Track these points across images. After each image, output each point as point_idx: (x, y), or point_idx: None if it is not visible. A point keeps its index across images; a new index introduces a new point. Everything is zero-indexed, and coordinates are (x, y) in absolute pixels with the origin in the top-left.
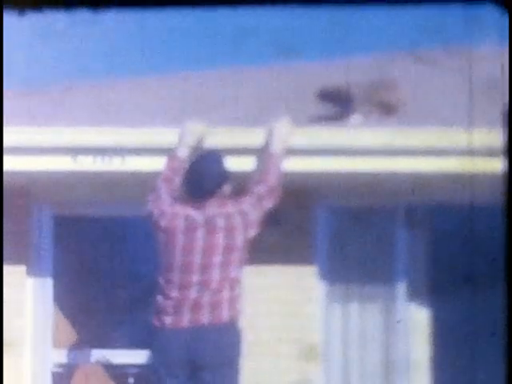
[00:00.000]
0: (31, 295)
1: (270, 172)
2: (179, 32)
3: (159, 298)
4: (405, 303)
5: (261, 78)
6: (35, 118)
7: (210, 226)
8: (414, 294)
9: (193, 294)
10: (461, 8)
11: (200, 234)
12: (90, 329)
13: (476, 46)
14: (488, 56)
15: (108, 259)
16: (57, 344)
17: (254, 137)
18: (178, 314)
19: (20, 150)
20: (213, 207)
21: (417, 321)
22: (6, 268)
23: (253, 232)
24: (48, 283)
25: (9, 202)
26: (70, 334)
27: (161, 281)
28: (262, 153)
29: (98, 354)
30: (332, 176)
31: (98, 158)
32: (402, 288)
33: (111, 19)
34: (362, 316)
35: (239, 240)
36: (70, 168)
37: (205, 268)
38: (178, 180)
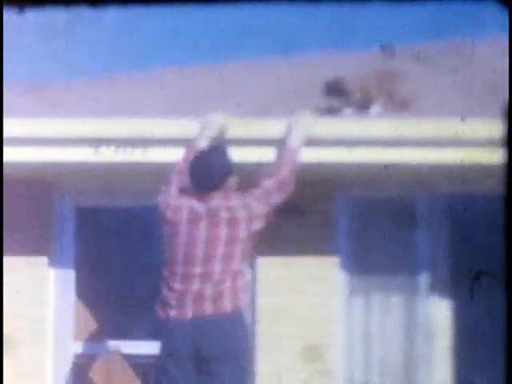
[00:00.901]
0: (53, 286)
1: (282, 166)
2: (179, 28)
3: (163, 289)
4: (426, 295)
5: (272, 71)
6: (56, 109)
7: (212, 218)
8: (435, 286)
9: (195, 285)
10: (461, 5)
11: (203, 225)
12: (111, 320)
13: (476, 43)
14: (488, 53)
15: (130, 250)
16: (78, 335)
17: (275, 128)
18: (182, 305)
19: (42, 141)
20: (216, 199)
21: (438, 313)
22: (27, 259)
23: (257, 225)
24: (70, 274)
25: (31, 193)
26: (91, 325)
27: (165, 273)
28: (280, 145)
29: (118, 345)
30: (354, 167)
31: (120, 149)
32: (423, 279)
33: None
34: (383, 307)
35: (242, 233)
36: (92, 159)
37: (207, 260)
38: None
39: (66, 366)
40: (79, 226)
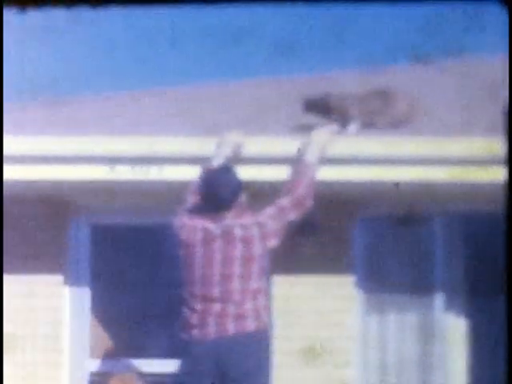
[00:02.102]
0: (68, 304)
1: (298, 182)
2: (180, 29)
3: (184, 310)
4: (442, 313)
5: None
6: (70, 127)
7: (227, 238)
8: (451, 304)
9: (217, 306)
10: (460, 5)
11: (218, 245)
12: (127, 338)
13: (476, 46)
14: (488, 57)
15: (145, 268)
16: (94, 353)
17: (291, 146)
18: (204, 325)
19: (57, 160)
20: (229, 219)
21: (454, 331)
22: (43, 277)
23: (272, 243)
24: (85, 292)
25: (46, 211)
26: (106, 343)
27: (185, 294)
28: (296, 162)
29: (133, 363)
30: (370, 185)
31: (136, 167)
32: (439, 298)
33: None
34: (399, 326)
35: (257, 250)
36: (107, 177)
37: (225, 280)
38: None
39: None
40: (95, 244)
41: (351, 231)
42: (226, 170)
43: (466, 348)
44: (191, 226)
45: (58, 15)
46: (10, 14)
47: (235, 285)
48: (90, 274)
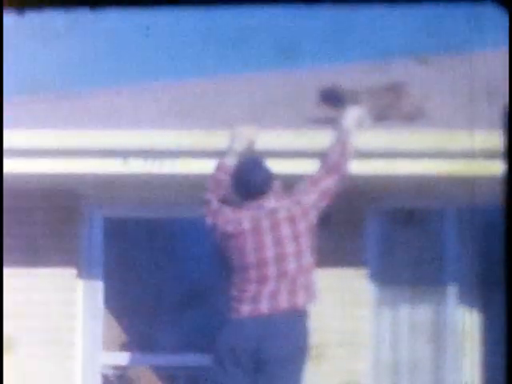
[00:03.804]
0: (82, 298)
1: (332, 149)
2: (182, 31)
3: (234, 292)
4: (455, 305)
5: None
6: (83, 120)
7: (272, 221)
8: (464, 296)
9: (270, 285)
10: (461, 8)
11: (266, 230)
12: (140, 331)
13: (476, 47)
14: (488, 56)
15: (158, 261)
16: (107, 346)
17: (305, 139)
18: (257, 303)
19: (70, 153)
20: (270, 203)
21: (467, 324)
22: (56, 271)
23: (313, 217)
24: (98, 286)
25: (59, 204)
26: (119, 336)
27: (235, 280)
28: (333, 130)
29: (147, 357)
30: (382, 178)
31: (148, 160)
32: (452, 290)
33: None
34: (412, 318)
35: (302, 227)
36: (121, 170)
37: (280, 259)
38: (226, 187)
39: (95, 377)
40: (107, 238)
41: (364, 224)
42: (255, 160)
43: (479, 342)
44: (236, 218)
45: (56, 17)
46: (8, 17)
47: (290, 263)
48: (102, 267)
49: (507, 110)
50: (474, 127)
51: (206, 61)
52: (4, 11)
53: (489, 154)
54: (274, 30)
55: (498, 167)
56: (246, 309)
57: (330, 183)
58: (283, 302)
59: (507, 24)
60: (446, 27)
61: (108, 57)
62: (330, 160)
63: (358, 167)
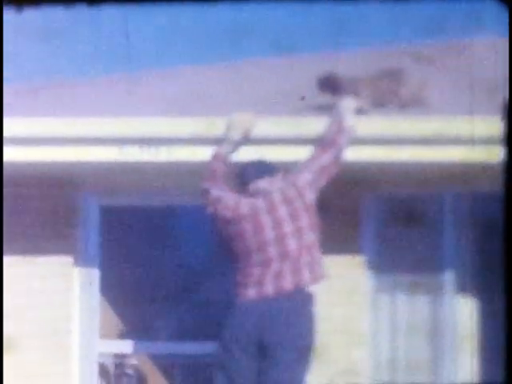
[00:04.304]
0: (78, 285)
1: (328, 129)
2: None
3: (238, 277)
4: (452, 294)
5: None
6: (79, 109)
7: (269, 203)
8: (461, 285)
9: (274, 266)
10: (460, 5)
11: (263, 212)
12: (137, 319)
13: (476, 42)
14: (488, 52)
15: (154, 249)
16: (103, 334)
17: (302, 127)
18: (262, 284)
19: (66, 141)
20: (265, 187)
21: (464, 312)
22: (53, 259)
23: (310, 196)
24: (95, 273)
25: (55, 192)
26: (116, 324)
27: (239, 264)
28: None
29: (144, 345)
30: (379, 165)
31: (144, 148)
32: (449, 278)
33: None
34: (409, 306)
35: (300, 207)
36: (116, 158)
37: (279, 241)
38: (222, 175)
39: (92, 365)
40: (104, 226)
41: (360, 212)
42: (258, 161)
43: (476, 328)
44: (234, 204)
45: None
46: (8, 13)
47: (290, 243)
48: (99, 255)
49: (507, 102)
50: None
51: (204, 50)
52: (3, 8)
53: (487, 141)
54: (271, 25)
55: (496, 154)
56: (251, 292)
57: (326, 160)
58: (287, 283)
59: (507, 20)
60: (446, 24)
61: (103, 46)
62: (326, 138)
63: (354, 154)
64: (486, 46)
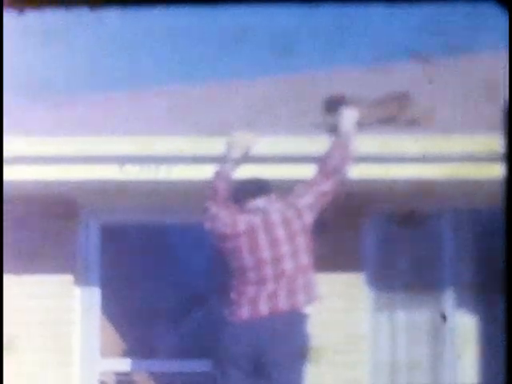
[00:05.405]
0: (79, 304)
1: (329, 153)
2: (180, 31)
3: (233, 295)
4: (453, 310)
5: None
6: (80, 127)
7: (266, 223)
8: (462, 301)
9: (269, 286)
10: (460, 6)
11: (261, 231)
12: (138, 338)
13: (476, 46)
14: (488, 56)
15: (155, 268)
16: (104, 353)
17: (303, 145)
18: (256, 304)
19: (66, 160)
20: (264, 206)
21: (465, 328)
22: (53, 277)
23: (308, 218)
24: (95, 292)
25: (56, 211)
26: (117, 342)
27: (233, 281)
28: (333, 134)
29: (145, 363)
30: (379, 182)
31: (145, 167)
32: (449, 295)
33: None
34: (409, 324)
35: (298, 229)
36: (117, 177)
37: (277, 260)
38: (224, 194)
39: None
40: (104, 244)
41: (360, 229)
42: (255, 179)
43: (477, 346)
44: (232, 221)
45: (56, 17)
46: (9, 16)
47: (286, 263)
48: (100, 273)
49: (507, 110)
50: (473, 128)
51: (202, 64)
52: (4, 11)
53: (487, 157)
54: (271, 29)
55: (497, 170)
56: (245, 311)
57: (328, 186)
58: (282, 303)
59: (507, 23)
60: (446, 26)
61: (103, 60)
62: (330, 163)
63: (355, 171)
64: (486, 49)
